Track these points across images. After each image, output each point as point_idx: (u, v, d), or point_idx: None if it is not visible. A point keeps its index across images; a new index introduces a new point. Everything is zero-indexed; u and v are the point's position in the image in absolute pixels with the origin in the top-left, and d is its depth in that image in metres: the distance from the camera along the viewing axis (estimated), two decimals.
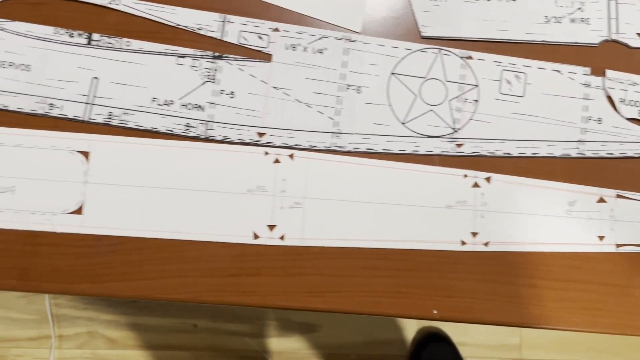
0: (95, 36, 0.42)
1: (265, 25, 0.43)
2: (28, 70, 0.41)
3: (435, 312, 0.41)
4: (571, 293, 0.42)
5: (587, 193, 0.43)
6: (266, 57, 0.43)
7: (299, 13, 0.43)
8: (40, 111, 0.41)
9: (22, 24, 0.42)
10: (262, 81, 0.42)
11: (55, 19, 0.42)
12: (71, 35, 0.42)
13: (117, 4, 0.42)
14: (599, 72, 0.44)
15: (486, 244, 0.42)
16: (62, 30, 0.42)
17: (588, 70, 0.44)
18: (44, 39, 0.42)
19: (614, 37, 0.44)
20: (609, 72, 0.44)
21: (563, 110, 0.43)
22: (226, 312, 1.02)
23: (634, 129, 0.43)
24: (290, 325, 1.00)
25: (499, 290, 0.42)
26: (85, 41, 0.42)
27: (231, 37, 0.43)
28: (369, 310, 0.41)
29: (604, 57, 0.44)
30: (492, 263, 0.42)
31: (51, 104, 0.41)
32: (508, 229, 0.42)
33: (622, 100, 0.43)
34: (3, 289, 0.39)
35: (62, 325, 1.01)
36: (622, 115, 0.43)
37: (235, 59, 0.43)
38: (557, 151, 0.43)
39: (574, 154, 0.43)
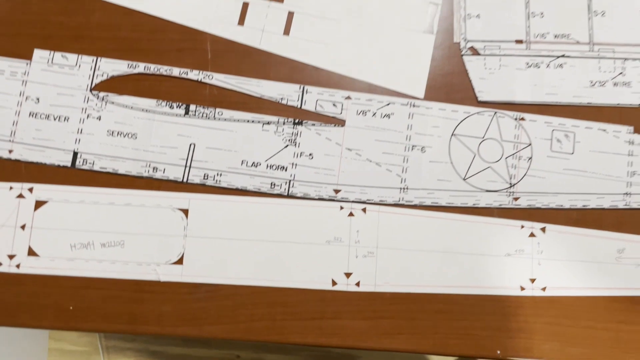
0: (192, 107, 0.48)
1: (339, 94, 0.49)
2: (135, 138, 0.47)
3: (498, 352, 0.45)
4: (624, 334, 0.46)
5: (635, 241, 0.47)
6: (340, 122, 0.48)
7: (368, 82, 0.49)
8: (145, 174, 0.47)
9: (129, 97, 0.48)
10: (337, 143, 0.48)
11: (157, 92, 0.48)
12: (171, 107, 0.48)
13: (210, 79, 0.48)
14: None
15: (543, 289, 0.46)
16: (163, 103, 0.48)
17: (631, 129, 0.48)
18: (147, 110, 0.48)
19: None
20: None
21: (610, 165, 0.48)
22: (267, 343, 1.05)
23: None
24: (330, 356, 1.03)
25: (558, 331, 0.45)
26: (183, 112, 0.48)
27: (309, 106, 0.49)
28: (438, 351, 0.45)
29: None
30: (550, 307, 0.46)
31: (155, 167, 0.47)
32: (563, 275, 0.46)
33: None
34: (115, 331, 0.44)
35: (112, 357, 1.06)
36: None
37: (313, 125, 0.48)
38: (606, 203, 0.47)
39: (621, 205, 0.47)
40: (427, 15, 0.50)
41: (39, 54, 0.49)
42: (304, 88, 0.49)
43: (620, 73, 0.49)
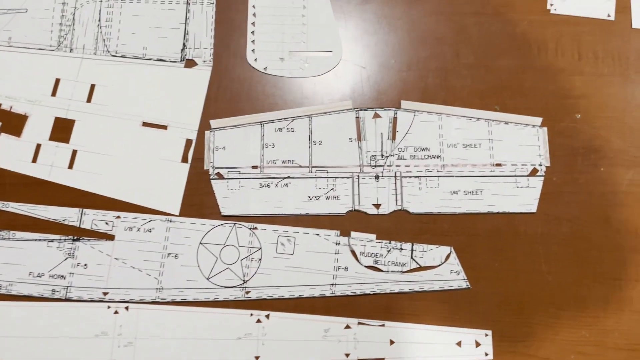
0: None
1: (111, 214, 0.62)
2: None
3: None
4: None
5: (338, 322, 0.60)
6: (111, 237, 0.61)
7: (134, 203, 0.62)
8: None
9: None
10: (107, 255, 0.60)
11: None
12: None
13: (7, 207, 0.61)
14: (346, 233, 0.62)
15: None
16: None
17: (338, 232, 0.62)
18: None
19: (357, 207, 0.62)
20: (353, 233, 0.62)
21: (321, 262, 0.61)
22: None
23: (370, 273, 0.61)
24: None
25: None
26: None
27: (86, 224, 0.61)
28: None
29: (350, 222, 0.62)
30: None
31: None
32: (282, 351, 0.59)
33: (362, 253, 0.61)
34: None
35: None
36: (362, 264, 0.61)
37: (89, 240, 0.61)
38: (317, 292, 0.60)
39: (328, 293, 0.60)
40: (183, 148, 0.64)
41: None
42: (82, 211, 0.62)
43: (332, 189, 0.63)
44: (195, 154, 0.64)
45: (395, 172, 0.64)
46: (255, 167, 0.64)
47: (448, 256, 0.62)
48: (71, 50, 0.66)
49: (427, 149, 0.64)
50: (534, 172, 0.64)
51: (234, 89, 0.66)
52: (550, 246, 0.63)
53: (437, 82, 0.66)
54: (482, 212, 0.63)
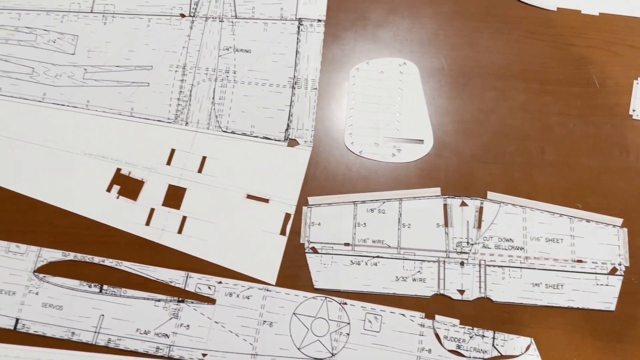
0: (105, 287, 0.66)
1: (213, 279, 0.67)
2: (60, 309, 0.65)
3: None
4: None
5: None
6: (212, 301, 0.66)
7: (235, 271, 0.67)
8: (65, 337, 0.64)
9: (60, 278, 0.66)
10: (208, 317, 0.65)
11: (81, 275, 0.66)
12: (89, 286, 0.66)
13: (120, 266, 0.66)
14: (431, 316, 0.66)
15: None
16: (84, 283, 0.66)
17: (423, 314, 0.66)
18: (72, 289, 0.66)
19: (442, 292, 0.66)
20: (438, 317, 0.65)
21: (405, 342, 0.64)
22: None
23: (453, 357, 0.64)
24: None
25: None
26: (98, 290, 0.66)
27: (190, 287, 0.66)
28: None
29: (434, 305, 0.66)
30: None
31: (72, 332, 0.64)
32: None
33: (446, 337, 0.64)
34: None
35: None
36: (445, 347, 0.64)
37: (192, 302, 0.66)
38: None
39: None
40: (282, 221, 0.69)
41: None
42: (187, 274, 0.67)
43: (419, 271, 0.67)
44: (293, 228, 0.69)
45: (480, 260, 0.67)
46: (347, 244, 0.69)
47: (528, 347, 0.65)
48: (187, 123, 0.73)
49: (511, 239, 0.68)
50: (613, 271, 0.67)
51: (331, 169, 0.72)
52: (626, 345, 0.65)
53: (521, 176, 0.71)
54: (562, 306, 0.66)
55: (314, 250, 0.69)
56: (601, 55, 0.75)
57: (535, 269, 0.67)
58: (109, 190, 0.70)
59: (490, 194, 0.70)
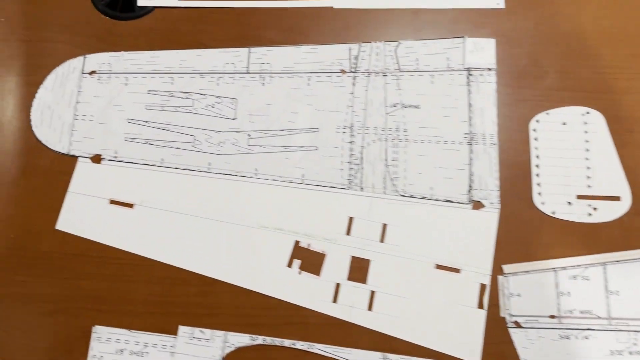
0: None
1: None
2: None
3: None
4: None
5: None
6: None
7: (432, 349, 0.62)
8: None
9: None
10: None
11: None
12: None
13: (312, 349, 0.62)
14: None
15: None
16: None
17: None
18: None
19: None
20: None
21: None
22: None
23: None
24: None
25: None
26: None
27: None
28: None
29: None
30: None
31: None
32: None
33: None
34: None
35: None
36: None
37: None
38: None
39: None
40: (478, 292, 0.64)
41: (182, 329, 0.63)
42: (384, 356, 0.62)
43: (634, 343, 0.62)
44: (491, 300, 0.64)
45: None
46: (552, 316, 0.64)
47: None
48: (361, 189, 0.69)
49: None
50: None
51: (522, 233, 0.66)
52: None
53: None
54: None
55: (517, 325, 0.64)
56: None
57: None
58: (289, 265, 0.66)
59: None
